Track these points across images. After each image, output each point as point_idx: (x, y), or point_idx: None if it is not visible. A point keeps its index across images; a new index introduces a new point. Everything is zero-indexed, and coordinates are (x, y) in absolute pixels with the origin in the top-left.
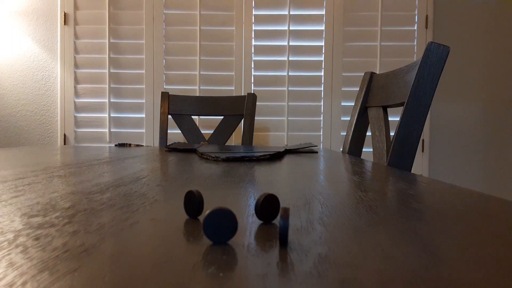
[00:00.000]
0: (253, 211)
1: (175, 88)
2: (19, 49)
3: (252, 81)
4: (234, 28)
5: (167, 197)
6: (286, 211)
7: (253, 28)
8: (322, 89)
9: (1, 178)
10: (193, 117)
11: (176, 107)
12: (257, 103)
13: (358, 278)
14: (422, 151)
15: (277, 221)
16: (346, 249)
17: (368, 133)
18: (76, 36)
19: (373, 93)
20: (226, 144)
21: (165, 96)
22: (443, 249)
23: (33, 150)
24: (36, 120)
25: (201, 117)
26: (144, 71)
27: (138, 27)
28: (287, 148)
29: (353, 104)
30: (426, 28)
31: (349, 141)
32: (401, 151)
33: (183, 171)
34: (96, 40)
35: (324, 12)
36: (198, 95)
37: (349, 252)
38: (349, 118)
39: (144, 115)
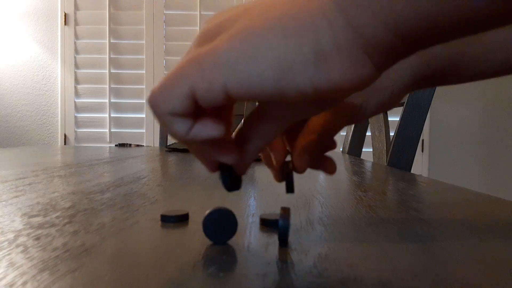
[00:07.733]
0: (253, 212)
1: None
2: (19, 49)
3: None
4: None
5: (167, 197)
6: (286, 211)
7: None
8: None
9: (1, 178)
10: None
11: None
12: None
13: (358, 277)
14: (422, 151)
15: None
16: (346, 249)
17: (368, 133)
18: (76, 37)
19: None
20: None
21: None
22: (443, 249)
23: (33, 150)
24: (36, 120)
25: None
26: (144, 71)
27: (139, 27)
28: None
29: None
30: None
31: (349, 141)
32: (401, 151)
33: (183, 171)
34: (96, 40)
35: None
36: None
37: (349, 251)
38: None
39: (144, 115)
